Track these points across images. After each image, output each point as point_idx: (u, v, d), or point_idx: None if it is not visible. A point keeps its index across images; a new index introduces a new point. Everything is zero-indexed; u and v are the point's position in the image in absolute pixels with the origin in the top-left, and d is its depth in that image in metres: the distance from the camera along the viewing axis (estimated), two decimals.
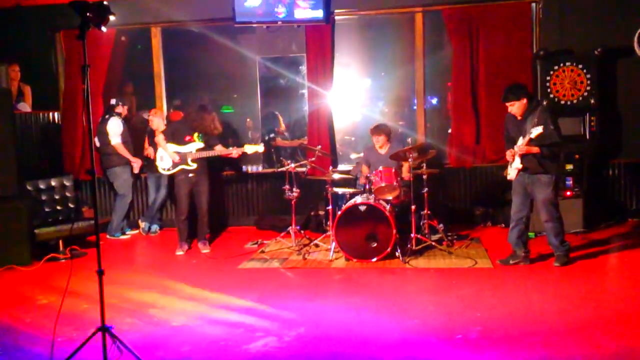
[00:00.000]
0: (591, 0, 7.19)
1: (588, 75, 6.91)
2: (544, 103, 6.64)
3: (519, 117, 5.46)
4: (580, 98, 6.93)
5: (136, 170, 7.63)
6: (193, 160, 6.59)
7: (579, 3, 7.22)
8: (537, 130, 5.10)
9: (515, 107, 5.42)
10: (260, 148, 6.72)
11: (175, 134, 6.67)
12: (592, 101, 6.91)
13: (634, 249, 6.05)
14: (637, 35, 6.62)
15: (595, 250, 6.02)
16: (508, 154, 5.53)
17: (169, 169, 6.66)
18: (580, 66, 6.92)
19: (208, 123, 6.63)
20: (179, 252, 6.68)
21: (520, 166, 5.41)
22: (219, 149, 6.65)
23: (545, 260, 5.66)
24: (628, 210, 7.31)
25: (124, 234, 7.65)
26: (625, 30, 6.75)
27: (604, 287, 4.91)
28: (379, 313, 4.48)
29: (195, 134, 6.63)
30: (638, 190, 7.31)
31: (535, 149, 5.29)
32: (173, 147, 6.61)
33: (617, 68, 7.22)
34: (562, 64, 6.97)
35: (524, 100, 5.41)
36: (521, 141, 5.39)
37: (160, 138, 6.76)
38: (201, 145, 6.62)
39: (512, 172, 5.55)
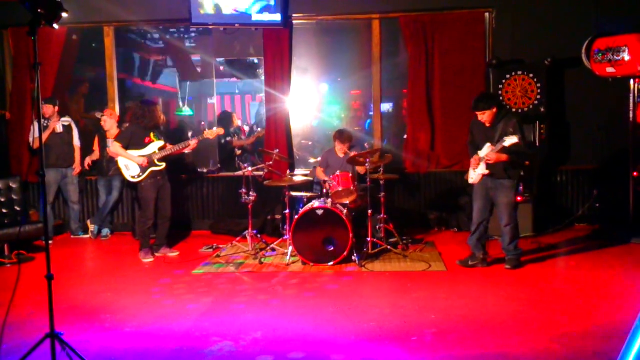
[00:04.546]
0: (542, 11, 7.43)
1: (538, 85, 7.14)
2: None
3: (488, 125, 5.58)
4: (531, 106, 7.15)
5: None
6: (160, 160, 6.38)
7: (530, 14, 7.45)
8: (511, 140, 5.22)
9: (486, 116, 5.53)
10: (220, 131, 6.62)
11: (133, 139, 6.34)
12: (542, 109, 7.14)
13: (580, 253, 6.25)
14: (585, 46, 6.86)
15: (544, 254, 6.20)
16: (472, 160, 5.64)
17: (139, 175, 6.30)
18: (531, 75, 7.15)
19: (158, 115, 6.39)
20: (149, 260, 6.37)
21: (487, 172, 5.52)
22: (181, 144, 6.44)
23: (499, 264, 5.78)
24: (575, 215, 7.55)
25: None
26: (574, 41, 6.98)
27: (553, 290, 5.05)
28: (335, 316, 4.48)
29: (152, 134, 6.40)
30: (584, 196, 7.57)
31: (504, 157, 5.41)
32: (136, 152, 6.31)
33: (566, 78, 7.47)
34: (514, 73, 7.19)
35: (495, 109, 5.53)
36: (487, 147, 5.51)
37: (117, 148, 6.30)
38: (162, 143, 6.42)
39: (475, 177, 5.66)
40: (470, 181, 5.76)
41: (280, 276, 5.69)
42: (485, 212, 5.72)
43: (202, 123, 9.55)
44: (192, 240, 7.49)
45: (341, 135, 6.82)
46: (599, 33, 6.77)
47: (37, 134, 7.34)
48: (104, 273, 6.14)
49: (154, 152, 6.36)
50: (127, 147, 6.30)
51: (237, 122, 9.00)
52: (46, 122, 7.33)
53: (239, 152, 8.46)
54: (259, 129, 8.59)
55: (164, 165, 6.40)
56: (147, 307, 4.83)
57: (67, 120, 7.52)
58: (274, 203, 7.52)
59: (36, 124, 7.38)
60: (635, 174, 6.73)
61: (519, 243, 5.72)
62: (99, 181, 7.75)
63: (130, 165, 6.32)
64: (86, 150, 7.75)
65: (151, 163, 6.32)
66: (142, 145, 6.35)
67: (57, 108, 7.38)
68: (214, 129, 6.61)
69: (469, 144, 5.88)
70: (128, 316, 4.57)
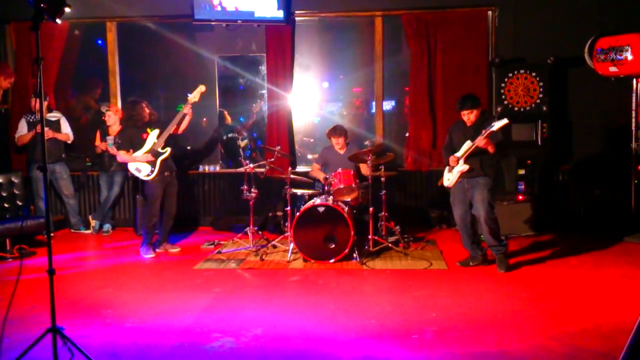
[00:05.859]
0: (545, 10, 7.42)
1: (541, 83, 7.13)
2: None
3: (470, 124, 5.58)
4: (533, 105, 7.14)
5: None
6: (163, 148, 6.35)
7: (533, 12, 7.44)
8: (500, 123, 5.25)
9: (473, 115, 5.54)
10: (202, 88, 6.44)
11: (133, 141, 6.35)
12: (544, 108, 7.14)
13: (581, 252, 6.24)
14: (587, 45, 6.86)
15: (544, 253, 6.19)
16: (452, 158, 5.60)
17: (152, 171, 6.28)
18: (533, 74, 7.14)
19: (145, 112, 6.35)
20: (150, 255, 6.36)
21: (466, 167, 5.50)
22: (173, 120, 6.35)
23: None
24: (576, 214, 7.54)
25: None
26: (577, 40, 6.98)
27: (553, 289, 5.06)
28: (336, 314, 4.48)
29: (148, 129, 6.39)
30: (586, 195, 7.55)
31: (491, 146, 5.37)
32: (140, 152, 6.32)
33: (569, 77, 7.46)
34: (516, 72, 7.17)
35: (480, 109, 5.57)
36: (467, 144, 5.46)
37: (123, 156, 6.34)
38: (157, 131, 6.37)
39: (452, 178, 5.63)
40: (447, 183, 5.72)
41: (281, 273, 5.70)
42: (467, 216, 5.69)
43: (204, 119, 9.52)
44: (194, 236, 7.50)
45: (334, 131, 6.83)
46: (602, 32, 6.75)
47: (24, 132, 7.34)
48: (105, 268, 6.14)
49: (154, 143, 6.35)
50: (129, 150, 6.34)
51: (229, 118, 9.05)
52: (32, 117, 7.34)
53: (243, 142, 8.45)
54: (254, 104, 8.63)
55: (168, 150, 6.35)
56: (148, 302, 4.84)
57: (54, 115, 7.50)
58: (275, 200, 7.53)
59: (23, 121, 7.38)
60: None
61: (501, 237, 5.65)
62: (100, 176, 7.76)
63: (140, 166, 6.32)
64: (86, 145, 7.80)
65: (156, 154, 6.32)
66: (142, 143, 6.36)
67: (45, 103, 7.36)
68: (194, 92, 6.40)
69: (444, 149, 5.85)
70: (129, 311, 4.58)
